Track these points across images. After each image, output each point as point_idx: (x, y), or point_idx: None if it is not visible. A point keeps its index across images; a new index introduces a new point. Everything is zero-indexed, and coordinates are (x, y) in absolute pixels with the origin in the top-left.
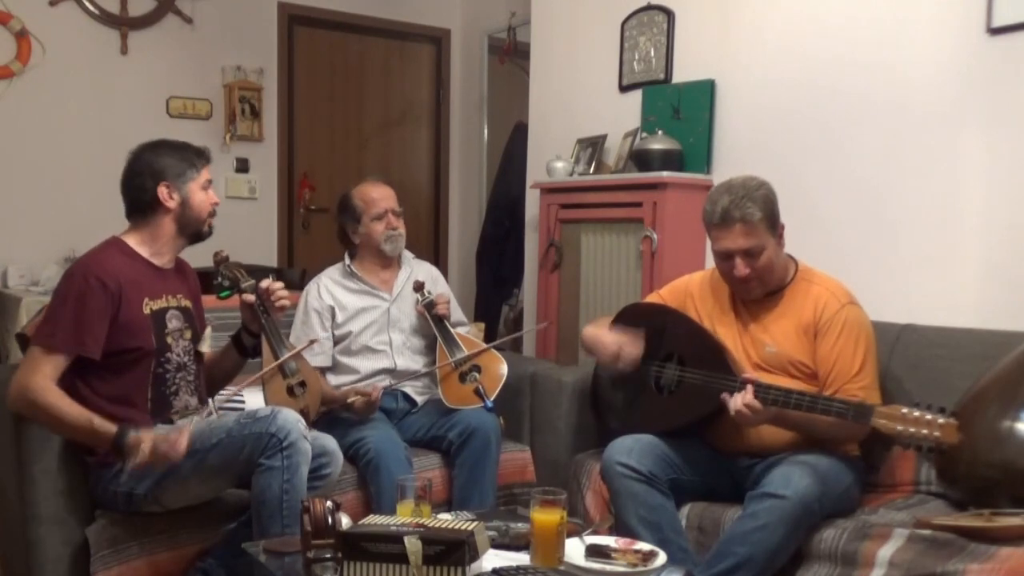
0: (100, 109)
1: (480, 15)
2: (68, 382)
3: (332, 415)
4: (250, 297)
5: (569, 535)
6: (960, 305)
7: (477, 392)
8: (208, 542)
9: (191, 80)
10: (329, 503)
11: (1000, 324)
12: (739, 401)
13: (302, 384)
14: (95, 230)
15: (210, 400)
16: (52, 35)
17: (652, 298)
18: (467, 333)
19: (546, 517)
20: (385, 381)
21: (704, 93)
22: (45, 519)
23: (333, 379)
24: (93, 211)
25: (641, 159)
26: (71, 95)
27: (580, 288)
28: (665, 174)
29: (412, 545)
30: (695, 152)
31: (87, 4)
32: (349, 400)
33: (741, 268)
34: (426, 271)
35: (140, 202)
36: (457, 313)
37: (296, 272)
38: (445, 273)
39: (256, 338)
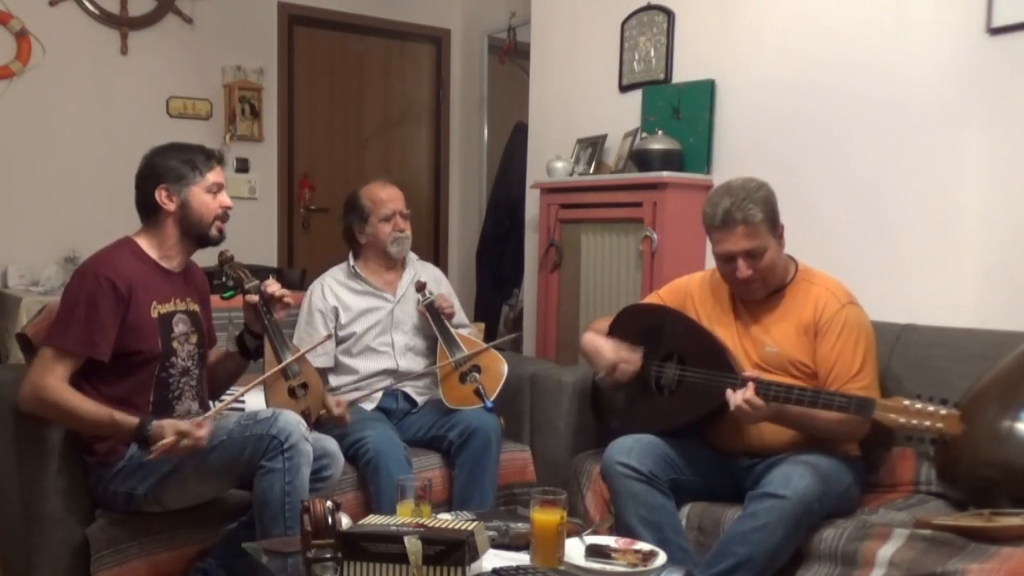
0: (100, 109)
1: (480, 15)
2: (72, 383)
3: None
4: (253, 298)
5: (569, 535)
6: (960, 305)
7: (477, 392)
8: (208, 542)
9: (191, 80)
10: (329, 503)
11: (1000, 324)
12: (739, 397)
13: (304, 386)
14: (95, 230)
15: (211, 403)
16: (52, 35)
17: (651, 298)
18: (468, 334)
19: (546, 517)
20: (385, 381)
21: (704, 93)
22: (45, 519)
23: (334, 379)
24: (93, 211)
25: (641, 159)
26: (71, 95)
27: (580, 288)
28: (665, 174)
29: (412, 545)
30: (695, 152)
31: (87, 4)
32: (320, 412)
33: (743, 270)
34: (429, 272)
35: (144, 204)
36: (460, 315)
37: (296, 272)
38: (445, 273)
39: (259, 339)
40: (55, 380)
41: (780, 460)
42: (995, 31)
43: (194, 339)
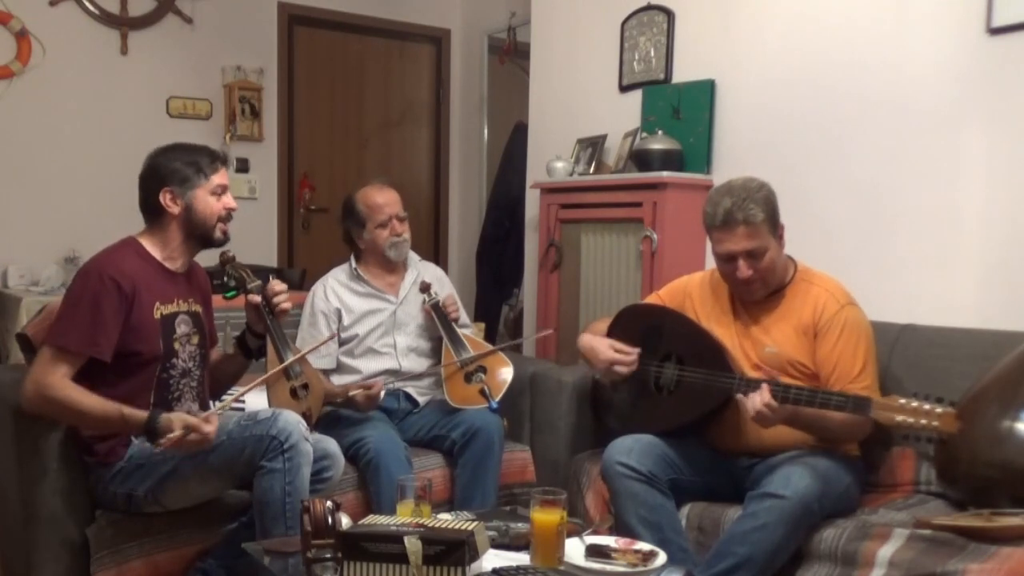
0: (100, 109)
1: (480, 15)
2: (73, 382)
3: (332, 414)
4: (256, 298)
5: (569, 535)
6: (960, 305)
7: (482, 392)
8: (208, 542)
9: (191, 80)
10: (329, 503)
11: (1000, 324)
12: (758, 401)
13: (305, 387)
14: (95, 230)
15: (211, 403)
16: (52, 35)
17: (651, 299)
18: (469, 334)
19: (546, 517)
20: (383, 379)
21: (704, 93)
22: (45, 519)
23: (336, 380)
24: (93, 211)
25: (641, 159)
26: (71, 95)
27: (580, 288)
28: (665, 174)
29: (412, 545)
30: (695, 152)
31: (87, 4)
32: (351, 393)
33: (744, 270)
34: (432, 272)
35: (148, 205)
36: (462, 315)
37: (296, 272)
38: (445, 273)
39: (261, 339)
40: (58, 378)
41: (780, 460)
42: (995, 31)
43: (196, 340)
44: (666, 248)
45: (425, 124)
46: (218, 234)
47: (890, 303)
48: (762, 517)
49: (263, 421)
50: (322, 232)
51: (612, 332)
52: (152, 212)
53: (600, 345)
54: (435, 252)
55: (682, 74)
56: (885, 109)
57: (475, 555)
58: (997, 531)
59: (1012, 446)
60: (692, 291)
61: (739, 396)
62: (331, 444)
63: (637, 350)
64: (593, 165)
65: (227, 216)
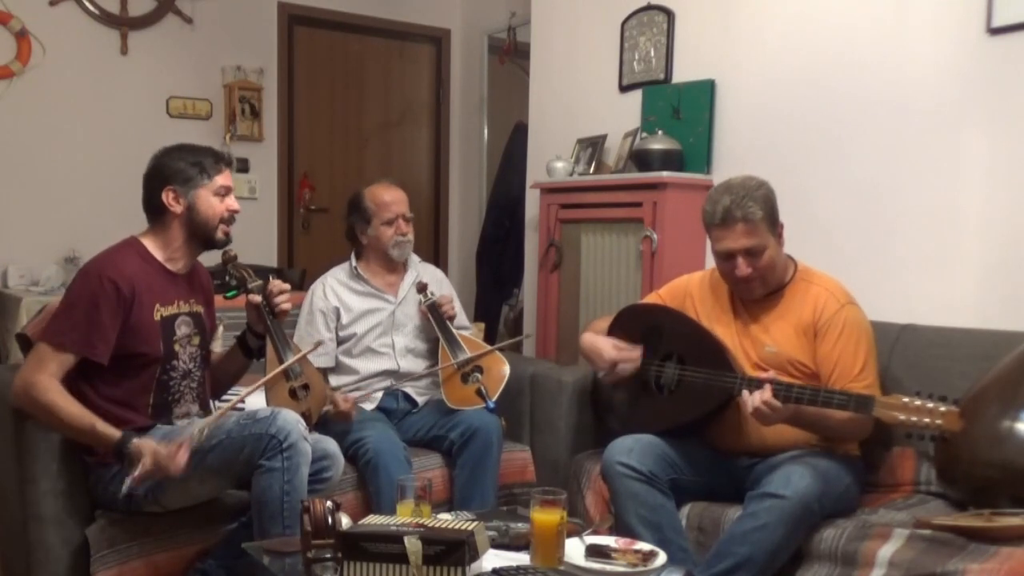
0: (100, 109)
1: (480, 15)
2: (71, 381)
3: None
4: (256, 298)
5: (569, 535)
6: (960, 305)
7: (479, 392)
8: (208, 543)
9: (191, 80)
10: (329, 503)
11: (1000, 324)
12: (757, 399)
13: (305, 387)
14: (95, 230)
15: (213, 404)
16: (52, 35)
17: (651, 298)
18: (469, 334)
19: (546, 517)
20: (386, 382)
21: (704, 93)
22: (45, 519)
23: (334, 379)
24: (93, 211)
25: (641, 159)
26: (71, 95)
27: (580, 288)
28: (665, 174)
29: (412, 545)
30: (695, 152)
31: (87, 4)
32: (324, 409)
33: (743, 268)
34: (431, 274)
35: (151, 204)
36: (461, 316)
37: (296, 272)
38: (445, 273)
39: (261, 339)
40: (46, 377)
41: (780, 460)
42: (995, 31)
43: (196, 341)
44: (666, 248)
45: (425, 124)
46: (220, 235)
47: (890, 303)
48: (762, 517)
49: (262, 420)
50: (322, 232)
51: (612, 332)
52: (155, 211)
53: (603, 344)
54: (435, 252)
55: (682, 74)
56: (885, 109)
57: (475, 555)
58: (997, 531)
59: (1012, 446)
60: (692, 290)
61: (744, 394)
62: (330, 444)
63: (640, 348)
64: (593, 165)
65: (229, 218)
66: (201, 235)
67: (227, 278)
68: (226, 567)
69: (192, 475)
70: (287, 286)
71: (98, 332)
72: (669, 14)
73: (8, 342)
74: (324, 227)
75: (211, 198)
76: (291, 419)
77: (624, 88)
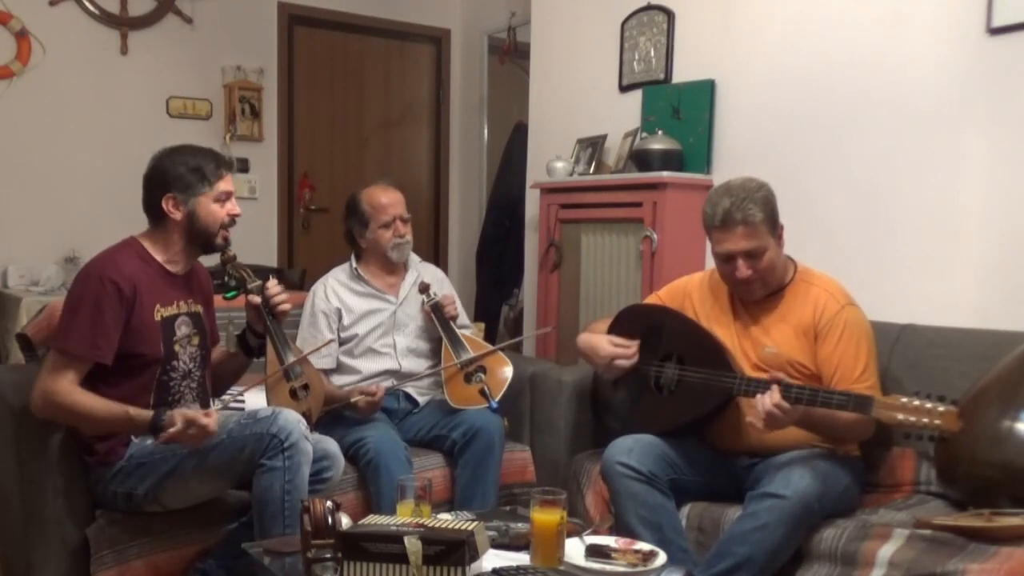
0: (100, 109)
1: (480, 15)
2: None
3: (333, 414)
4: (255, 298)
5: (569, 535)
6: (960, 305)
7: (482, 392)
8: (208, 543)
9: (191, 80)
10: (329, 503)
11: (1000, 324)
12: (768, 402)
13: (305, 387)
14: (95, 230)
15: (213, 403)
16: (52, 35)
17: (651, 299)
18: (469, 334)
19: (546, 517)
20: (388, 381)
21: (704, 93)
22: (45, 519)
23: (335, 380)
24: (93, 211)
25: (641, 159)
26: (71, 95)
27: (580, 288)
28: (665, 174)
29: (412, 545)
30: (695, 152)
31: (87, 4)
32: (353, 400)
33: (743, 270)
34: (432, 274)
35: (150, 208)
36: (461, 316)
37: (296, 272)
38: (445, 273)
39: (261, 338)
40: (66, 384)
41: (780, 460)
42: (995, 31)
43: (196, 341)
44: (666, 248)
45: (425, 124)
46: (219, 240)
47: (890, 303)
48: (762, 517)
49: (263, 420)
50: (322, 232)
51: (612, 332)
52: (154, 215)
53: (599, 341)
54: (435, 252)
55: (682, 74)
56: (885, 109)
57: (475, 555)
58: (997, 531)
59: (1012, 446)
60: (692, 291)
61: (757, 397)
62: (331, 444)
63: (636, 343)
64: (593, 165)
65: (230, 222)
66: (201, 241)
67: (226, 278)
68: (226, 567)
69: (192, 474)
70: (280, 288)
71: (102, 333)
72: (669, 14)
73: (8, 342)
74: (324, 227)
75: (211, 205)
76: (292, 419)
77: (624, 88)
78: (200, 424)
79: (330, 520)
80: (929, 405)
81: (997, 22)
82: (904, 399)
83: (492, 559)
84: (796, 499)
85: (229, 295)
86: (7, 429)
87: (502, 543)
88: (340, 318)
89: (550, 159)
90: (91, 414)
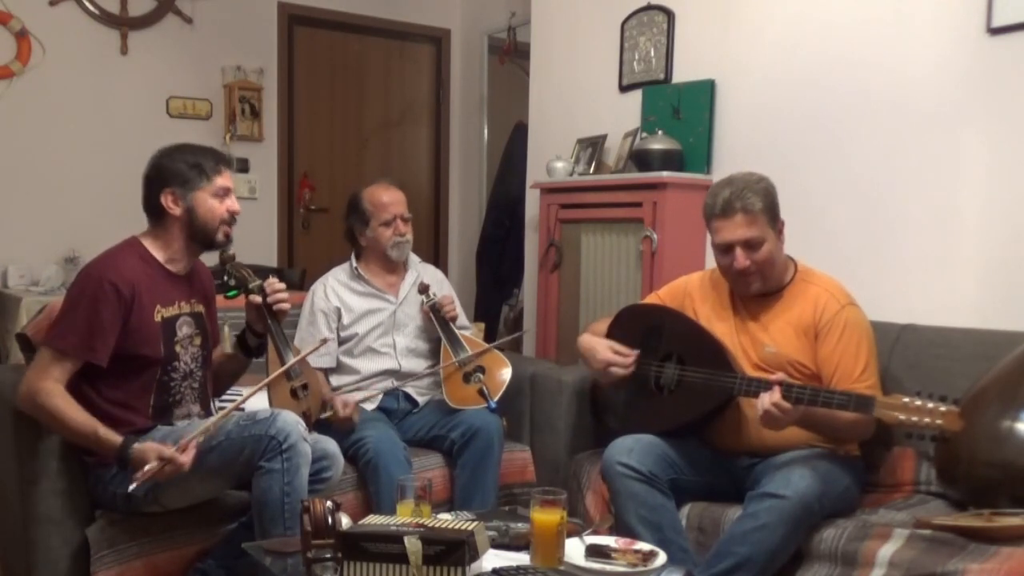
0: (100, 109)
1: (480, 15)
2: (73, 384)
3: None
4: (256, 298)
5: (569, 535)
6: (960, 305)
7: (481, 392)
8: (207, 543)
9: (191, 80)
10: (329, 503)
11: (1000, 324)
12: (767, 401)
13: (305, 387)
14: (95, 230)
15: (214, 403)
16: (52, 35)
17: (651, 299)
18: (469, 334)
19: (546, 517)
20: (386, 381)
21: (704, 93)
22: (45, 519)
23: (335, 379)
24: (93, 211)
25: (641, 159)
26: (71, 95)
27: (580, 288)
28: (665, 174)
29: (412, 545)
30: (695, 152)
31: (87, 4)
32: (324, 415)
33: (741, 259)
34: (431, 274)
35: (150, 205)
36: (461, 316)
37: (296, 272)
38: (445, 273)
39: (261, 338)
40: (51, 383)
41: (780, 460)
42: (995, 31)
43: (198, 341)
44: (666, 248)
45: (425, 124)
46: (220, 237)
47: (890, 303)
48: (762, 517)
49: (262, 421)
50: (322, 232)
51: (612, 332)
52: (154, 213)
53: (599, 346)
54: (435, 252)
55: (682, 74)
56: (885, 109)
57: (475, 555)
58: (997, 531)
59: (1012, 446)
60: (692, 291)
61: (762, 396)
62: (330, 444)
63: (636, 352)
64: (593, 165)
65: (230, 219)
66: (201, 237)
67: (226, 278)
68: (226, 567)
69: (192, 476)
70: (282, 285)
71: (98, 334)
72: (669, 14)
73: (8, 342)
74: (324, 227)
75: (210, 200)
76: (291, 420)
77: (624, 88)
78: (178, 463)
79: (330, 520)
80: (931, 405)
81: (997, 22)
82: (905, 399)
83: (492, 559)
84: (796, 499)
85: (230, 294)
86: (7, 429)
87: (502, 543)
88: (340, 317)
89: (550, 159)
90: (65, 423)
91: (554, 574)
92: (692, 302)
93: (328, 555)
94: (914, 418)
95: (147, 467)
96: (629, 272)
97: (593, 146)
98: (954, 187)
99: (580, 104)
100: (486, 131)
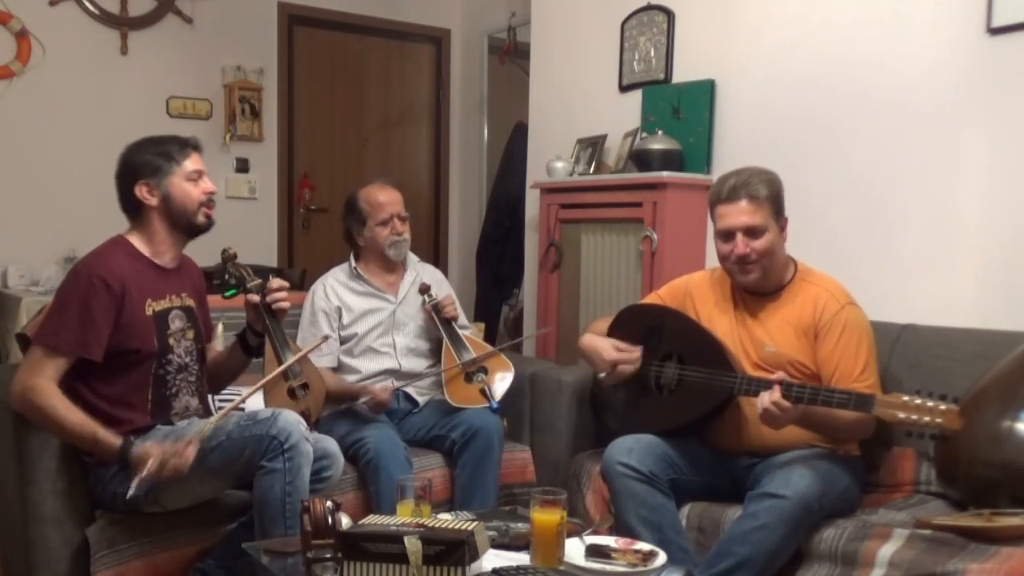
0: (100, 109)
1: (480, 15)
2: (68, 383)
3: (332, 414)
4: (255, 297)
5: (569, 535)
6: (960, 305)
7: (483, 392)
8: (207, 543)
9: (191, 80)
10: (329, 503)
11: (1000, 324)
12: (766, 400)
13: (304, 386)
14: (95, 230)
15: (212, 400)
16: (52, 35)
17: (651, 298)
18: (469, 334)
19: (546, 517)
20: (388, 381)
21: (704, 93)
22: (45, 519)
23: None
24: (93, 211)
25: (641, 159)
26: (71, 95)
27: (580, 288)
28: (665, 174)
29: (412, 545)
30: (695, 152)
31: (87, 4)
32: (361, 400)
33: (741, 246)
34: (430, 274)
35: (127, 202)
36: (462, 316)
37: (296, 272)
38: (445, 273)
39: (261, 337)
40: (44, 381)
41: (780, 460)
42: (995, 31)
43: (191, 335)
44: (666, 248)
45: (425, 124)
46: (201, 219)
47: (890, 303)
48: (762, 517)
49: (263, 421)
50: (322, 232)
51: (612, 332)
52: (133, 209)
53: (603, 345)
54: (435, 252)
55: (682, 74)
56: (885, 109)
57: (475, 555)
58: (997, 531)
59: (1012, 446)
60: (693, 290)
61: (762, 395)
62: (330, 443)
63: (640, 348)
64: (593, 165)
65: (208, 200)
66: (183, 223)
67: (226, 277)
68: (226, 567)
69: (193, 476)
70: (285, 283)
71: (91, 330)
72: (669, 14)
73: (8, 342)
74: (324, 227)
75: (184, 184)
76: (292, 420)
77: (624, 88)
78: (182, 458)
79: (330, 520)
80: (931, 403)
81: (997, 22)
82: (905, 397)
83: (492, 559)
84: (796, 499)
85: (229, 293)
86: (7, 429)
87: (502, 543)
88: (340, 317)
89: (550, 159)
90: (62, 424)
91: (554, 574)
92: (693, 301)
93: (328, 555)
94: (914, 416)
95: (148, 464)
96: (629, 272)
97: (593, 146)
98: (954, 187)
99: (580, 104)
100: (486, 131)
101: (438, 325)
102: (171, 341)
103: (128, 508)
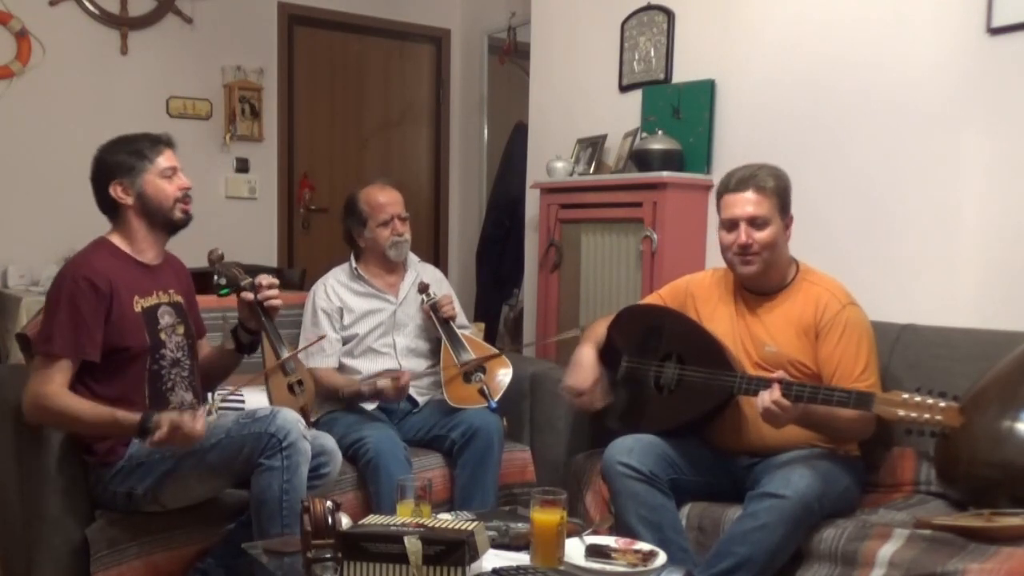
0: (100, 109)
1: (480, 15)
2: (69, 387)
3: (332, 414)
4: (248, 295)
5: (569, 535)
6: (960, 305)
7: (482, 392)
8: (207, 542)
9: (191, 80)
10: (329, 503)
11: (1000, 324)
12: (767, 399)
13: (300, 383)
14: (95, 230)
15: (210, 396)
16: (52, 35)
17: (652, 299)
18: (468, 334)
19: (546, 517)
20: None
21: (704, 93)
22: (45, 519)
23: None
24: (93, 211)
25: (641, 159)
26: (71, 95)
27: (580, 288)
28: (665, 174)
29: (412, 545)
30: (695, 152)
31: (87, 4)
32: (380, 385)
33: (744, 235)
34: (430, 274)
35: (104, 203)
36: (461, 316)
37: (296, 272)
38: (445, 273)
39: (253, 335)
40: (55, 387)
41: (780, 460)
42: (995, 31)
43: (181, 330)
44: (666, 248)
45: (425, 124)
46: (178, 214)
47: (890, 303)
48: (762, 517)
49: (261, 419)
50: (322, 232)
51: (612, 332)
52: (110, 209)
53: (583, 371)
54: (435, 252)
55: (682, 74)
56: (885, 109)
57: (475, 555)
58: (997, 531)
59: (1012, 446)
60: (694, 290)
61: (761, 394)
62: (328, 440)
63: (604, 401)
64: (593, 165)
65: (184, 196)
66: (160, 220)
67: (216, 277)
68: (225, 567)
69: (191, 474)
70: (275, 281)
71: (84, 332)
72: (669, 14)
73: (8, 342)
74: (324, 227)
75: (158, 181)
76: (291, 418)
77: (624, 88)
78: (189, 427)
79: (330, 520)
80: (931, 401)
81: (997, 22)
82: (905, 395)
83: (492, 559)
84: (796, 499)
85: (222, 292)
86: (7, 429)
87: (502, 543)
88: (341, 317)
89: (550, 159)
90: (80, 418)
91: (554, 574)
92: (694, 301)
93: (328, 555)
94: (914, 414)
95: (159, 433)
96: (629, 272)
97: (593, 146)
98: (954, 187)
99: (580, 104)
100: (486, 131)
101: (436, 325)
102: (163, 336)
103: (128, 508)
